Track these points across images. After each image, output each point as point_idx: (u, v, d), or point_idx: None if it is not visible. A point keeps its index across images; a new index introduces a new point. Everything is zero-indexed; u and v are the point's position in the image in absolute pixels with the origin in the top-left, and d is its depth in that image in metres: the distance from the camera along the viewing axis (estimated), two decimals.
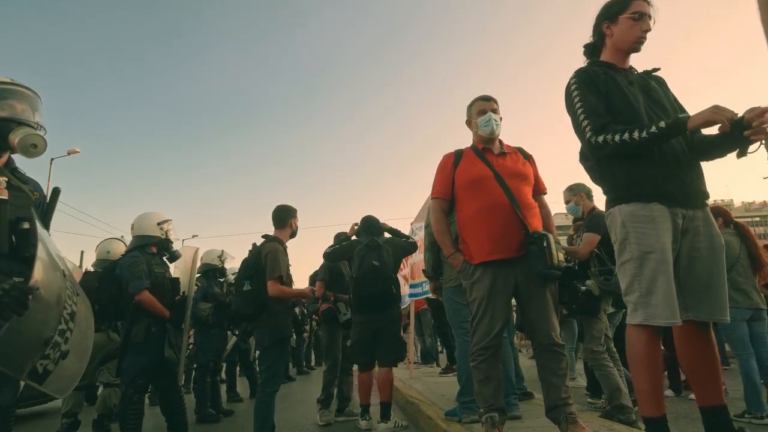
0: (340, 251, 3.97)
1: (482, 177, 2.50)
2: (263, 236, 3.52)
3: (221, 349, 5.05)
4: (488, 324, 2.37)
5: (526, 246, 2.37)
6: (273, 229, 3.57)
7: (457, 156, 2.65)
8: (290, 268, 3.50)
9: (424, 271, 3.34)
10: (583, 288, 2.79)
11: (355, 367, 4.19)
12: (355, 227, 4.17)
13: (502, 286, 2.38)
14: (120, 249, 4.32)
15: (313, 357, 11.65)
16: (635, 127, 1.79)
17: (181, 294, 3.65)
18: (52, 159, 18.40)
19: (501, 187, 2.45)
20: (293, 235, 3.64)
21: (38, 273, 1.68)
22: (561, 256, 2.36)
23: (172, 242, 3.70)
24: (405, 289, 7.26)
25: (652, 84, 2.00)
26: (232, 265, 5.51)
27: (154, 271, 3.47)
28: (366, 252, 3.71)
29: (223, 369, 6.46)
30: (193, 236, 28.25)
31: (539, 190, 2.66)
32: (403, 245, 3.99)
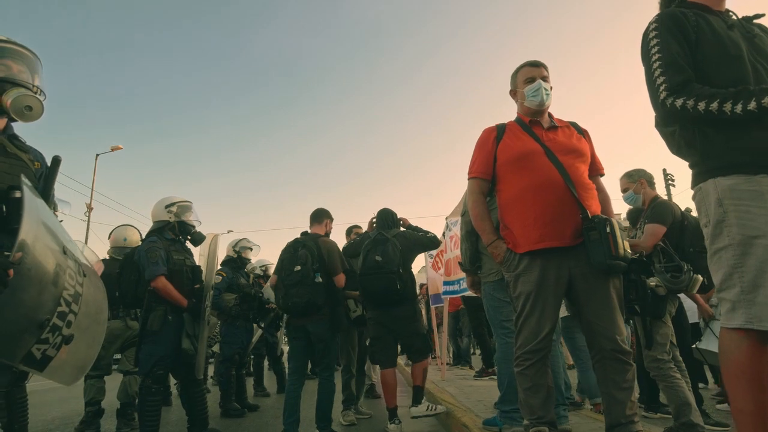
0: (352, 247, 3.83)
1: (530, 152, 2.16)
2: (303, 233, 3.71)
3: (247, 341, 4.88)
4: (536, 324, 2.04)
5: (584, 232, 2.01)
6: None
7: (500, 130, 2.30)
8: None
9: (460, 264, 3.02)
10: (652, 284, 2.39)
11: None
12: (373, 222, 3.98)
13: (554, 279, 2.04)
14: (135, 236, 4.21)
15: None
16: (731, 95, 1.39)
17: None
18: (97, 155, 19.05)
19: (553, 163, 2.10)
20: (327, 235, 3.78)
21: (27, 247, 1.49)
22: (627, 246, 1.99)
23: (189, 225, 3.52)
24: (439, 287, 6.96)
25: (756, 31, 1.61)
26: (255, 256, 5.34)
27: (172, 257, 3.32)
28: (371, 246, 3.54)
29: (251, 362, 6.35)
30: (228, 231, 28.77)
31: (596, 170, 2.29)
32: (418, 238, 3.74)
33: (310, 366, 7.94)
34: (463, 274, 5.55)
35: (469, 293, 5.79)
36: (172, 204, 3.50)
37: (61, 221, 3.46)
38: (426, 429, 3.77)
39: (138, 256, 3.30)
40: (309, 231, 3.79)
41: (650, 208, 3.04)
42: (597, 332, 2.03)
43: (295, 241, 3.60)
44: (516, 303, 2.11)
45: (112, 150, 19.15)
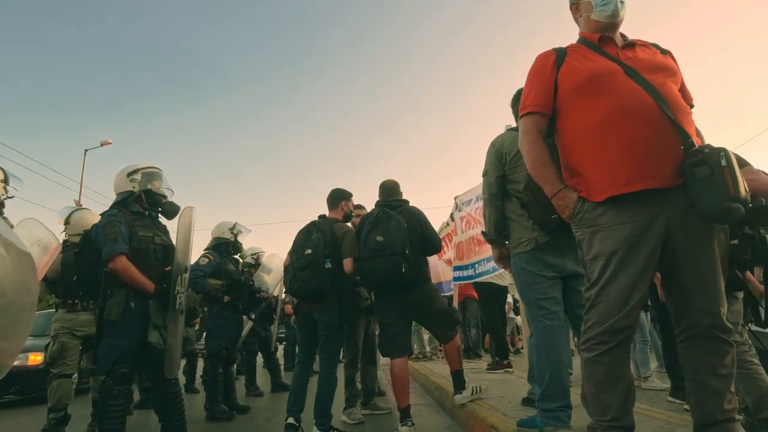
0: (354, 235, 3.29)
1: (607, 71, 1.64)
2: (320, 216, 3.47)
3: (235, 335, 4.32)
4: (619, 294, 1.52)
5: (688, 168, 1.48)
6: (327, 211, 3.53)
7: (560, 53, 1.77)
8: None
9: (484, 234, 2.48)
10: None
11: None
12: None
13: (647, 232, 1.52)
14: (94, 218, 3.67)
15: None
16: None
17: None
18: (86, 150, 18.65)
19: (639, 83, 1.58)
20: (346, 218, 3.52)
21: None
22: (746, 186, 1.47)
23: (159, 195, 2.96)
24: (442, 275, 6.43)
25: None
26: (246, 242, 4.81)
27: (137, 233, 2.77)
28: (373, 226, 3.09)
29: (241, 359, 5.84)
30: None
31: (686, 99, 1.74)
32: (427, 226, 3.26)
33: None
34: (479, 257, 5.08)
35: (485, 279, 5.35)
36: (135, 171, 2.95)
37: (12, 197, 2.98)
38: (443, 430, 3.26)
39: (95, 233, 2.76)
40: (326, 215, 3.50)
41: None
42: (693, 302, 1.53)
43: (311, 223, 3.37)
44: (591, 268, 1.58)
45: (102, 145, 18.68)
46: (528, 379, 2.88)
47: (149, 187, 2.92)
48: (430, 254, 3.37)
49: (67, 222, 3.90)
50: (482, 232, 2.52)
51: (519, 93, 2.51)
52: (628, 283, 1.51)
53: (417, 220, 3.16)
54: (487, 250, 4.73)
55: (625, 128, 1.55)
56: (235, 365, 4.92)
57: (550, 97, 1.74)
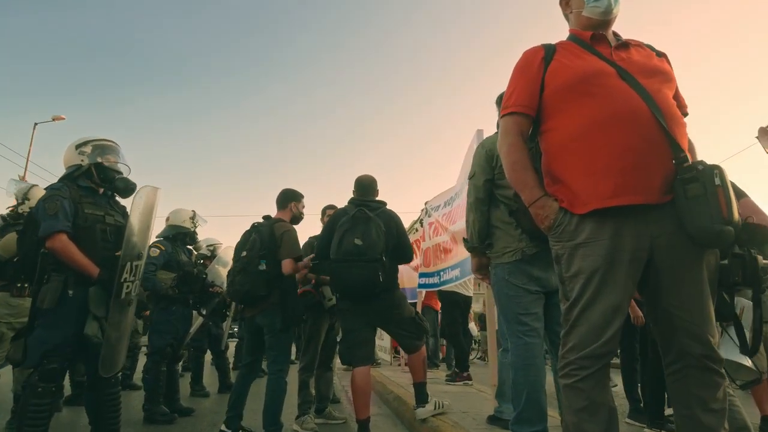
0: (326, 231, 3.11)
1: (597, 72, 1.52)
2: (264, 217, 3.35)
3: (183, 331, 4.00)
4: (601, 316, 1.39)
5: (679, 185, 1.38)
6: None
7: (549, 50, 1.64)
8: None
9: (465, 241, 2.35)
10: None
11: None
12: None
13: (630, 251, 1.40)
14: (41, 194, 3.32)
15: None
16: None
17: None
18: (35, 124, 17.60)
19: (632, 87, 1.46)
20: (294, 219, 3.40)
21: None
22: (737, 208, 1.39)
23: (112, 170, 2.64)
24: (413, 281, 6.30)
25: None
26: (202, 233, 4.50)
27: (83, 210, 2.47)
28: (350, 226, 2.89)
29: (187, 356, 5.49)
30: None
31: (680, 107, 1.64)
32: (402, 233, 3.13)
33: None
34: (445, 264, 4.97)
35: (449, 287, 5.25)
36: (85, 143, 2.64)
37: None
38: None
39: (36, 209, 2.46)
40: (272, 216, 3.39)
41: None
42: (680, 329, 1.42)
43: (252, 225, 3.30)
44: (571, 286, 1.45)
45: (54, 120, 17.57)
46: (496, 396, 2.78)
47: (100, 160, 2.61)
48: (402, 263, 3.21)
49: (26, 197, 3.56)
50: (464, 239, 2.39)
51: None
52: (611, 305, 1.40)
53: (395, 225, 3.01)
54: (452, 258, 4.64)
55: (616, 135, 1.43)
56: (180, 363, 4.59)
57: (536, 98, 1.61)
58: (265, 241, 3.07)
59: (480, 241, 2.25)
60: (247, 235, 3.22)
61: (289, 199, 3.40)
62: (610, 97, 1.47)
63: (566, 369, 1.45)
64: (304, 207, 3.51)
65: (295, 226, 3.33)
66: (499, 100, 2.47)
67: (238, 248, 3.22)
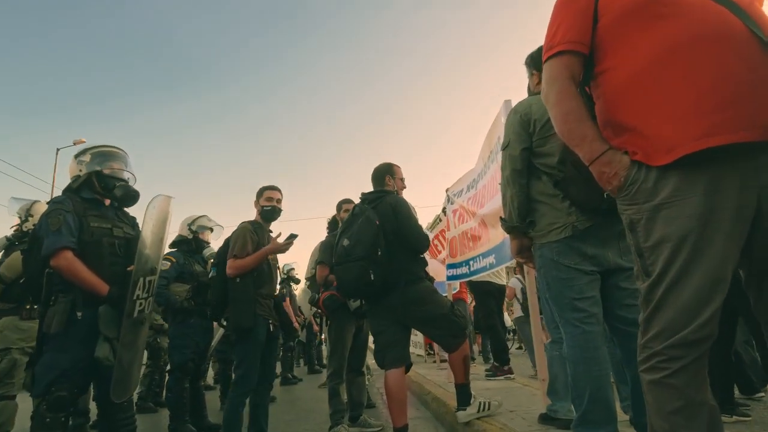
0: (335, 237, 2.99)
1: None
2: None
3: (204, 344, 3.81)
4: (698, 293, 1.09)
5: None
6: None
7: None
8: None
9: (503, 220, 2.04)
10: None
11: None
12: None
13: (732, 207, 1.09)
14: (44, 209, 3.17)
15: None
16: None
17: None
18: (58, 149, 18.09)
19: (720, 3, 1.15)
20: (263, 215, 3.15)
21: None
22: None
23: (113, 178, 2.43)
24: (442, 274, 6.00)
25: None
26: (217, 239, 4.29)
27: (88, 224, 2.28)
28: (346, 226, 2.79)
29: (209, 370, 5.32)
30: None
31: None
32: (408, 218, 2.83)
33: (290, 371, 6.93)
34: (474, 252, 4.64)
35: (481, 277, 4.93)
36: (84, 151, 2.46)
37: None
38: None
39: (38, 226, 2.28)
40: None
41: None
42: None
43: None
44: (652, 258, 1.15)
45: (75, 144, 17.93)
46: (548, 393, 2.48)
47: (99, 168, 2.41)
48: (417, 251, 2.83)
49: (30, 214, 3.44)
50: (501, 218, 2.08)
51: (541, 47, 2.12)
52: (708, 278, 1.10)
53: (395, 213, 2.72)
54: (482, 246, 4.32)
55: (705, 61, 1.11)
56: (205, 377, 4.42)
57: (588, 32, 1.30)
58: (221, 248, 3.06)
59: (521, 220, 1.94)
60: None
61: (256, 196, 3.21)
62: (691, 15, 1.15)
63: (651, 361, 1.15)
64: (274, 200, 3.16)
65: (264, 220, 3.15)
66: (530, 59, 2.17)
67: None
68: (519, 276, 6.33)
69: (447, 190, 5.34)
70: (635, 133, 1.19)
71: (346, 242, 2.65)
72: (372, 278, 2.51)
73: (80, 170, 2.41)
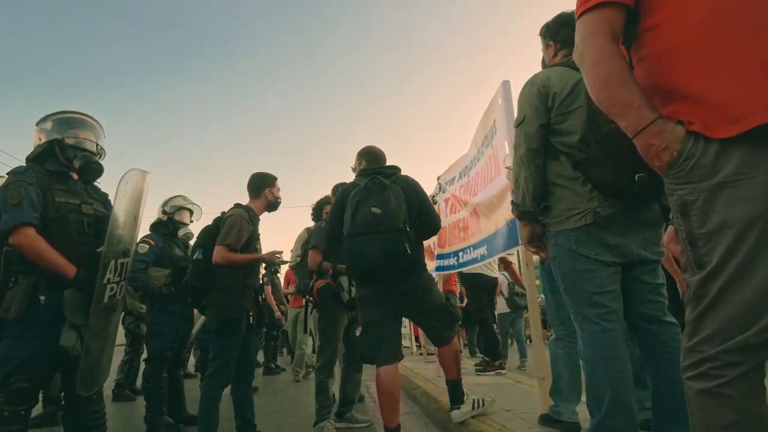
0: (335, 207, 2.64)
1: None
2: (235, 205, 2.94)
3: (184, 332, 3.59)
4: (760, 289, 0.95)
5: None
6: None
7: None
8: (259, 241, 3.00)
9: (514, 205, 1.87)
10: None
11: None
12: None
13: None
14: None
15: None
16: None
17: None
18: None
19: None
20: (270, 206, 3.02)
21: None
22: None
23: (74, 148, 2.19)
24: (428, 264, 5.86)
25: None
26: (198, 221, 4.05)
27: (53, 198, 2.06)
28: (363, 196, 2.45)
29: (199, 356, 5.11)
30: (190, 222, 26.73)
31: None
32: (425, 199, 2.66)
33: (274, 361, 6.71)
34: (463, 244, 4.49)
35: (473, 269, 4.79)
36: (45, 118, 2.23)
37: None
38: None
39: None
40: (242, 204, 2.99)
41: None
42: None
43: (222, 213, 2.93)
44: (707, 248, 1.00)
45: None
46: (550, 394, 2.34)
47: (59, 137, 2.17)
48: (429, 235, 2.77)
49: None
50: (512, 203, 1.91)
51: (558, 16, 1.95)
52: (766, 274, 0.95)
53: (415, 191, 2.55)
54: (474, 236, 4.16)
55: None
56: (185, 366, 4.21)
57: None
58: (209, 228, 2.85)
59: (535, 204, 1.77)
60: None
61: (263, 184, 2.99)
62: None
63: (702, 367, 1.00)
64: (279, 190, 3.06)
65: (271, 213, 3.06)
66: (546, 29, 1.99)
67: None
68: (505, 272, 6.23)
69: (438, 178, 5.17)
70: (691, 99, 1.03)
71: (376, 210, 2.34)
72: (408, 250, 2.28)
73: (40, 138, 2.18)
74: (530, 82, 1.83)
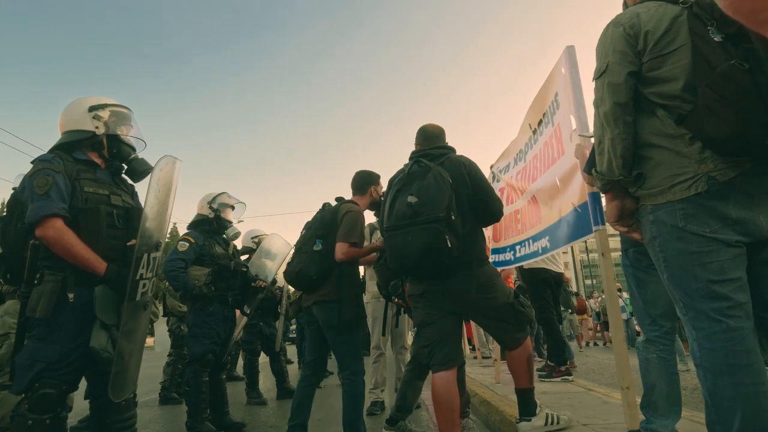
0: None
1: None
2: (337, 199, 2.94)
3: (226, 334, 3.44)
4: None
5: None
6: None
7: None
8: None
9: (598, 175, 1.50)
10: None
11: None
12: None
13: None
14: None
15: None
16: None
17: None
18: None
19: None
20: (373, 205, 2.97)
21: None
22: None
23: (128, 147, 2.16)
24: None
25: None
26: (238, 219, 3.91)
27: (81, 188, 1.94)
28: (403, 184, 2.17)
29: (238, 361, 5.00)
30: (238, 221, 27.38)
31: None
32: (483, 181, 2.32)
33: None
34: (521, 236, 4.08)
35: (535, 263, 4.37)
36: (102, 106, 2.13)
37: None
38: None
39: (21, 188, 1.93)
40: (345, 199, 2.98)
41: None
42: None
43: (323, 205, 2.93)
44: None
45: None
46: (641, 407, 1.94)
47: (118, 131, 2.12)
48: (489, 222, 2.43)
49: None
50: (594, 170, 1.55)
51: None
52: None
53: (467, 173, 2.22)
54: (534, 227, 3.75)
55: None
56: (234, 368, 4.09)
57: None
58: (326, 219, 2.73)
59: (626, 171, 1.41)
60: (313, 218, 2.91)
61: (367, 182, 2.94)
62: None
63: None
64: (383, 189, 2.87)
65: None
66: None
67: (304, 228, 2.93)
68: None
69: (491, 167, 4.78)
70: None
71: (412, 199, 2.07)
72: (448, 244, 1.98)
73: (96, 127, 2.07)
74: (613, 23, 1.46)
